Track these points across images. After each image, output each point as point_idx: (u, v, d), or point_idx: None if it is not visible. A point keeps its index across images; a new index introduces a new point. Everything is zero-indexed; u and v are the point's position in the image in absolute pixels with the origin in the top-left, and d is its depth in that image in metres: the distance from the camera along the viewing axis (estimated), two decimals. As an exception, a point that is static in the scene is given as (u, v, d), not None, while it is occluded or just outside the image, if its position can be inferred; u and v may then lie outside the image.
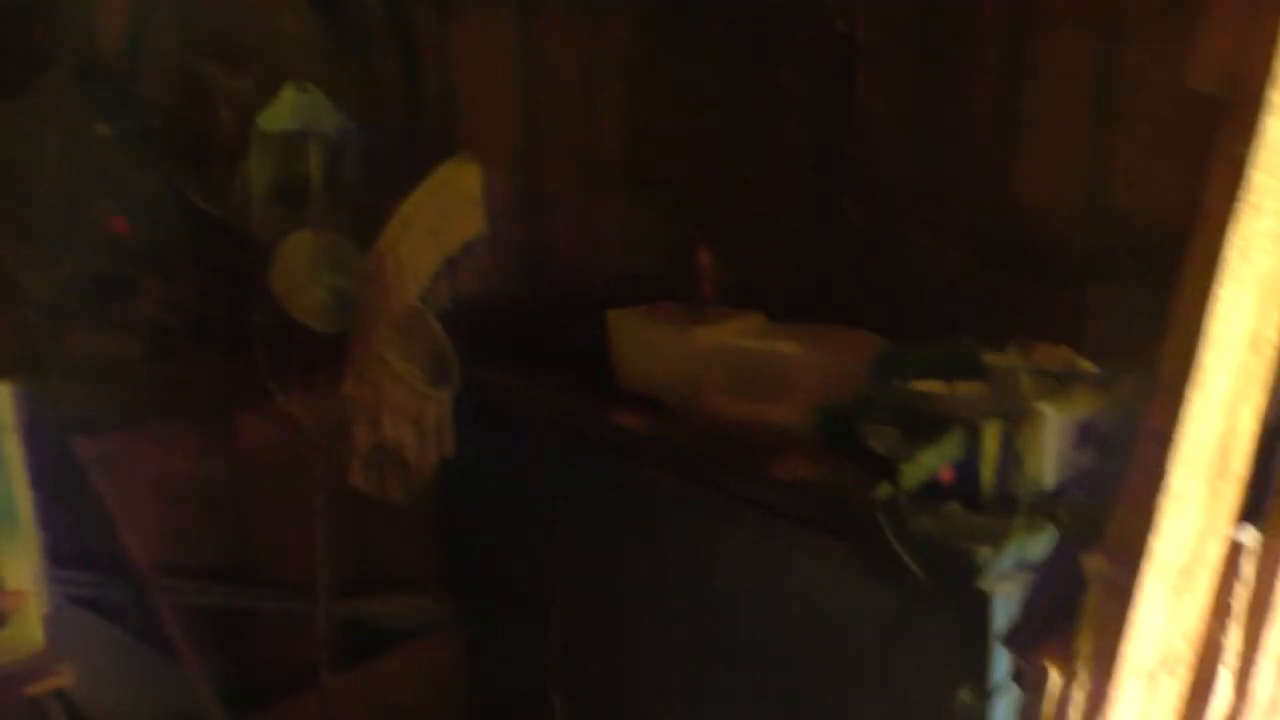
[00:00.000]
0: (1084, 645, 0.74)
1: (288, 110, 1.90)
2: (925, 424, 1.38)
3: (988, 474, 1.36)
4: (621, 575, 1.83)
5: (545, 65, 2.38)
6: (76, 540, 1.85)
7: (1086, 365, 1.50)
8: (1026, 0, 1.91)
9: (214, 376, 2.01)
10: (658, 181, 2.49)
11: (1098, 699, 0.75)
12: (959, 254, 1.95)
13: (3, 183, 1.85)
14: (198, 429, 2.05)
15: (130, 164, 1.89)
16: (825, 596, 1.46)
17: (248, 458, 2.10)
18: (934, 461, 1.31)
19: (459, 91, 2.21)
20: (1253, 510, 0.92)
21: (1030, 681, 0.75)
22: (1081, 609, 0.75)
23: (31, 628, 1.59)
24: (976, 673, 1.27)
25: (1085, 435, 1.42)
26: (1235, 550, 0.85)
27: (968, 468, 1.35)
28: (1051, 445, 1.38)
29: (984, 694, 1.26)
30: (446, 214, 1.77)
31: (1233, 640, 0.88)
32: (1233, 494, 0.79)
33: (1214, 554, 0.81)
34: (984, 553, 1.26)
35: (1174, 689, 0.84)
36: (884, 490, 1.25)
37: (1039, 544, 1.27)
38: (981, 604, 1.25)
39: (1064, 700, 0.74)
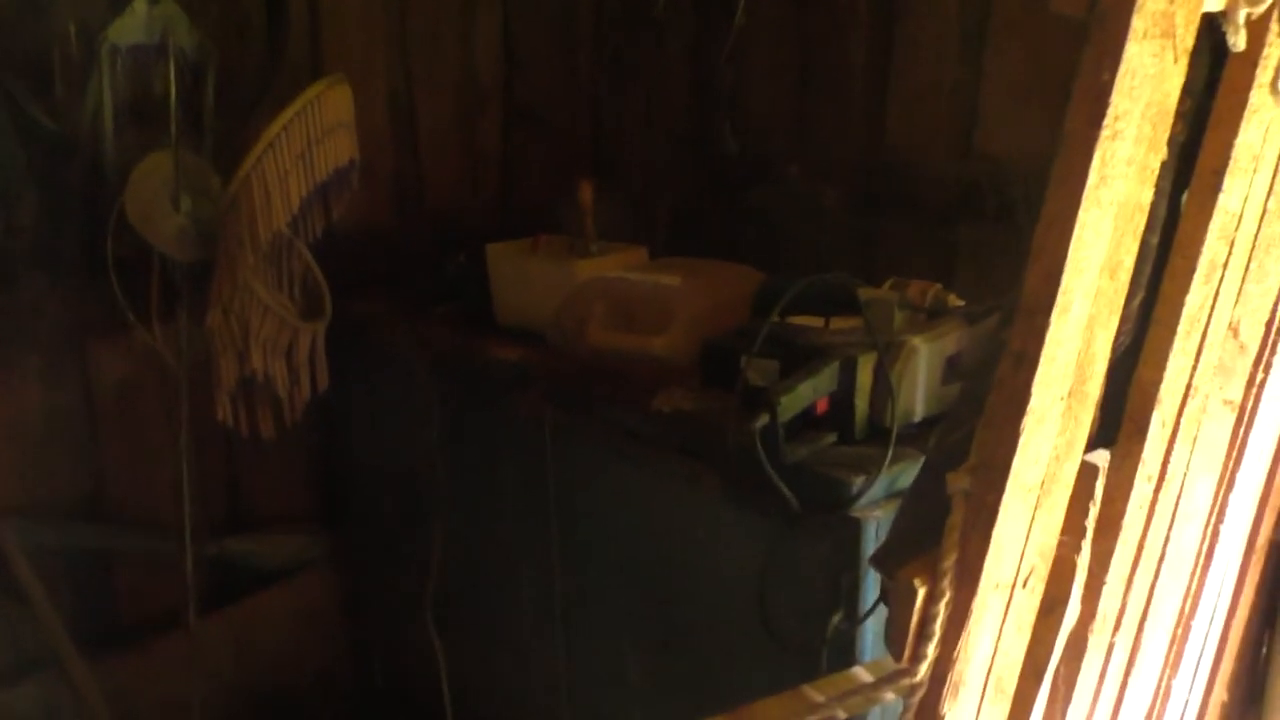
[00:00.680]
0: (947, 561, 0.76)
1: (140, 23, 1.78)
2: (802, 357, 1.40)
3: (861, 406, 1.39)
4: (500, 509, 1.82)
5: (421, -14, 2.28)
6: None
7: (956, 301, 1.54)
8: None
9: (64, 306, 1.89)
10: (537, 113, 2.44)
11: (960, 612, 0.77)
12: (834, 191, 1.98)
13: None
14: (48, 361, 1.93)
15: (-38, 76, 1.74)
16: (703, 527, 1.48)
17: (104, 392, 1.99)
18: (809, 393, 1.33)
19: (327, 8, 2.10)
20: (1105, 434, 0.97)
21: (896, 597, 0.78)
22: (946, 527, 0.77)
23: None
24: (848, 598, 1.30)
25: (954, 368, 1.47)
26: (1088, 471, 0.88)
27: (842, 399, 1.38)
28: (922, 378, 1.42)
29: (855, 618, 1.30)
30: (316, 137, 1.69)
31: (1084, 557, 0.92)
32: (1088, 416, 0.82)
33: (1069, 474, 0.85)
34: (856, 481, 1.29)
35: (1029, 603, 0.88)
36: (760, 421, 1.26)
37: (909, 472, 1.31)
38: (853, 531, 1.28)
39: (927, 614, 0.77)
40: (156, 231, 1.77)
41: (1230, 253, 0.93)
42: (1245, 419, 1.14)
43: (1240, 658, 1.51)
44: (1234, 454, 1.15)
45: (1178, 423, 0.99)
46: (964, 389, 1.04)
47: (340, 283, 2.11)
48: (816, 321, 1.56)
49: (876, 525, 1.29)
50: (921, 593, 0.77)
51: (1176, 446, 1.00)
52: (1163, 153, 0.77)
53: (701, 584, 1.50)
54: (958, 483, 0.76)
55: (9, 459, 1.91)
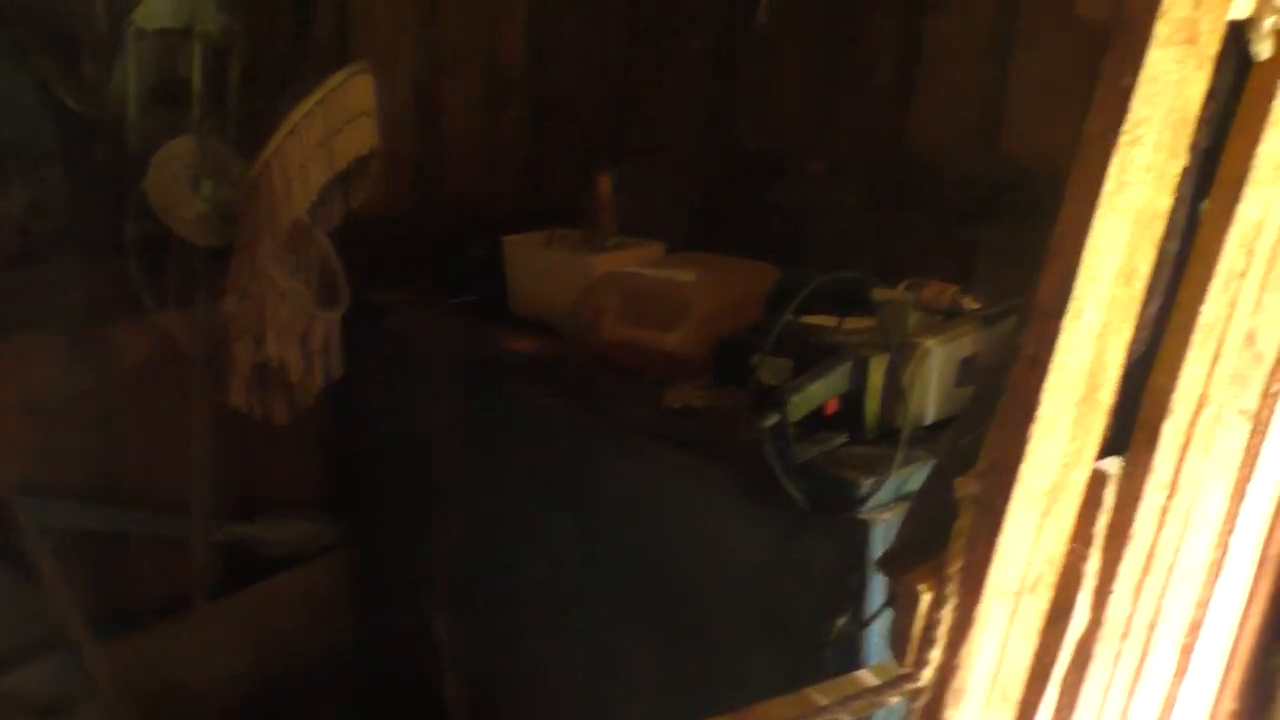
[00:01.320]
0: (953, 566, 0.76)
1: (167, 6, 1.79)
2: (814, 356, 1.40)
3: (872, 407, 1.38)
4: (509, 499, 1.82)
5: (448, -25, 2.29)
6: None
7: (972, 303, 1.54)
8: (931, -61, 1.91)
9: (85, 287, 1.91)
10: (560, 104, 2.44)
11: (964, 618, 0.77)
12: (855, 189, 1.97)
13: None
14: (67, 342, 1.94)
15: (-8, 56, 1.75)
16: (711, 523, 1.48)
17: (122, 374, 2.01)
18: (820, 393, 1.32)
19: (354, -3, 2.11)
20: (1117, 441, 0.96)
21: (901, 601, 0.77)
22: (953, 532, 0.77)
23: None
24: (854, 600, 1.30)
25: (968, 371, 1.46)
26: (1098, 478, 0.88)
27: (853, 400, 1.37)
28: (934, 380, 1.41)
29: (860, 621, 1.30)
30: (336, 125, 1.70)
31: (1092, 565, 0.91)
32: (1099, 423, 0.82)
33: (1079, 481, 0.84)
34: (865, 483, 1.29)
35: (1036, 609, 0.87)
36: (770, 419, 1.26)
37: (919, 475, 1.30)
38: (861, 533, 1.28)
39: (932, 619, 0.76)
40: (177, 215, 1.78)
41: (1249, 262, 0.92)
42: (1260, 429, 1.12)
43: (1249, 668, 1.50)
44: (1248, 464, 1.14)
45: (1191, 432, 0.98)
46: (976, 392, 1.04)
47: (359, 269, 2.11)
48: (831, 321, 1.56)
49: (885, 527, 1.28)
50: (926, 598, 0.77)
51: (1189, 456, 0.99)
52: (1183, 159, 0.76)
53: (709, 581, 1.50)
54: (966, 488, 0.75)
55: (28, 438, 1.93)
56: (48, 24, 1.81)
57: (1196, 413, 0.98)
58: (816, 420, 1.38)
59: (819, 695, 1.08)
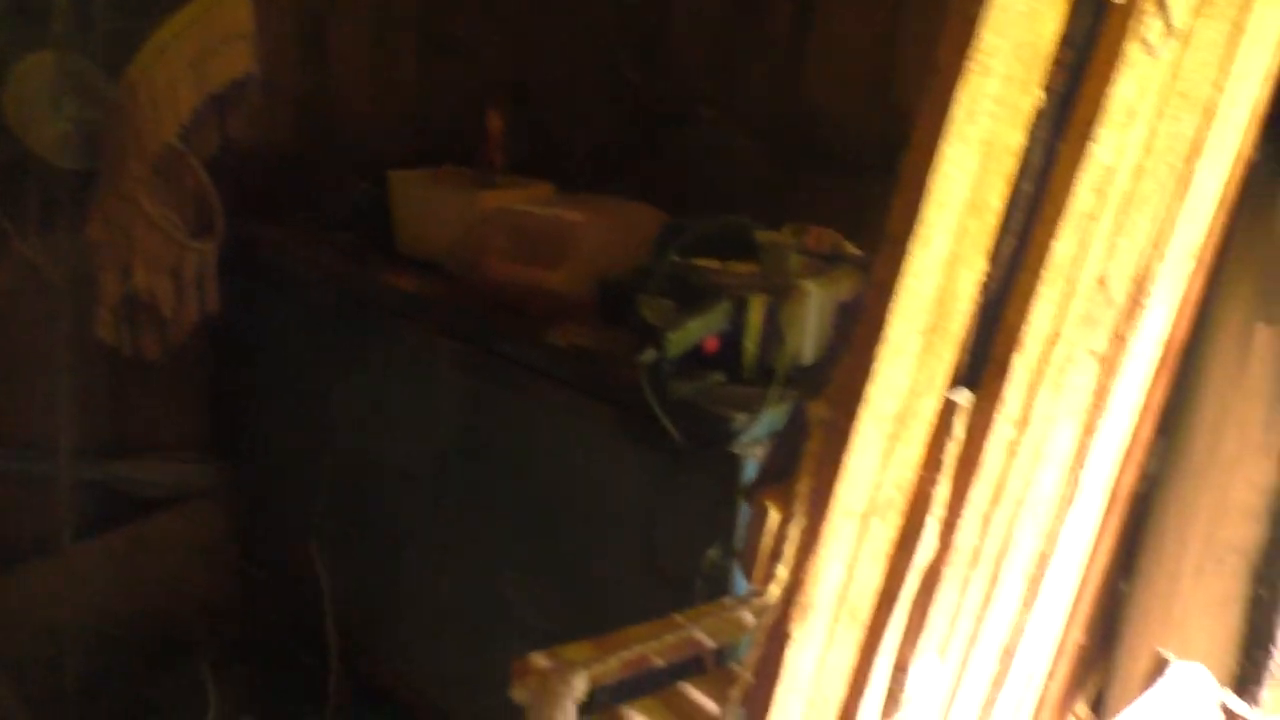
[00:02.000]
0: (802, 486, 0.78)
1: (26, -90, 1.68)
2: (696, 296, 1.41)
3: (750, 346, 1.40)
4: (392, 439, 1.80)
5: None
6: None
7: (853, 249, 1.56)
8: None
9: (-64, 211, 1.80)
10: (452, 41, 2.39)
11: (811, 536, 0.79)
12: (748, 137, 1.98)
13: None
14: (-83, 269, 1.84)
15: None
16: (594, 461, 1.49)
17: (-21, 304, 1.91)
18: (699, 332, 1.34)
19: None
20: (972, 375, 1.00)
21: (752, 520, 0.79)
22: (803, 454, 0.79)
23: None
24: (725, 532, 1.33)
25: (845, 315, 1.49)
26: (949, 408, 0.91)
27: (732, 339, 1.39)
28: (812, 321, 1.44)
29: (730, 551, 1.33)
30: (210, 46, 1.63)
31: (941, 493, 0.95)
32: (949, 353, 0.84)
33: (929, 409, 0.87)
34: (739, 419, 1.31)
35: (884, 534, 0.90)
36: (648, 356, 1.27)
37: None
38: (733, 467, 1.30)
39: (780, 536, 0.78)
40: (36, 136, 1.69)
41: (1102, 205, 0.96)
42: (1110, 370, 1.18)
43: (1097, 602, 1.58)
44: (1097, 404, 1.20)
45: (1041, 369, 1.02)
46: (838, 328, 1.06)
47: (242, 205, 2.04)
48: (715, 264, 1.57)
49: (757, 462, 1.30)
50: (775, 516, 0.78)
51: (1039, 392, 1.04)
52: (1035, 96, 0.78)
53: (591, 517, 1.51)
54: (816, 410, 0.77)
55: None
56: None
57: (1047, 350, 1.02)
58: (697, 359, 1.39)
59: (681, 620, 1.10)
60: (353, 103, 2.32)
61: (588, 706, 0.99)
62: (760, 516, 0.78)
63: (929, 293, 0.74)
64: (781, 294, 1.41)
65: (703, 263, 1.57)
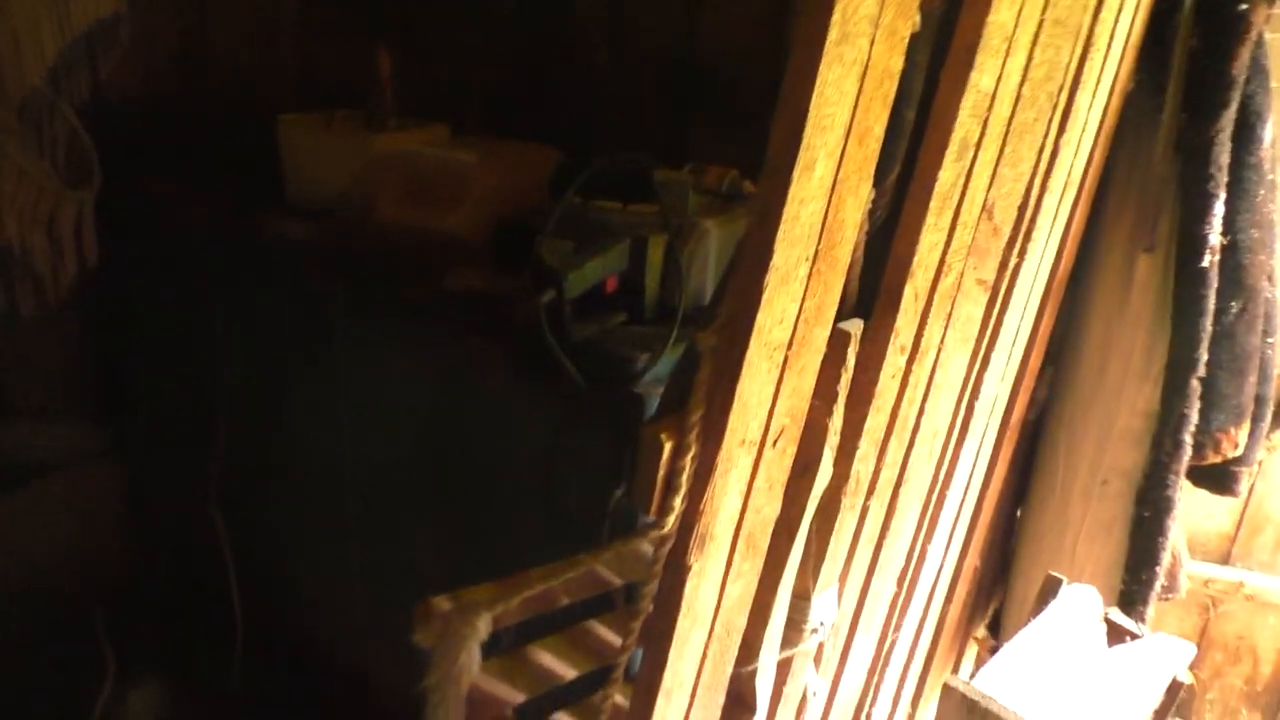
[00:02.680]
0: (694, 416, 0.78)
1: None
2: (596, 237, 1.39)
3: (651, 286, 1.40)
4: (288, 391, 1.75)
5: None
6: None
7: (752, 188, 1.56)
8: None
9: None
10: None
11: (705, 466, 0.79)
12: (643, 81, 1.95)
13: None
14: None
15: None
16: (493, 405, 1.47)
17: None
18: (598, 271, 1.32)
19: None
20: (865, 305, 1.01)
21: (645, 451, 0.79)
22: (693, 384, 0.78)
23: None
24: (630, 472, 1.32)
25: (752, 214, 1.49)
26: (840, 337, 0.91)
27: (632, 279, 1.38)
28: (712, 260, 1.44)
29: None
30: (74, -18, 1.53)
31: (835, 422, 0.96)
32: (838, 281, 0.85)
33: (820, 339, 0.87)
34: (640, 359, 1.30)
35: (780, 463, 0.91)
36: (547, 296, 1.25)
37: (692, 351, 1.33)
38: (635, 407, 1.29)
39: (674, 467, 0.78)
40: (-113, 79, 1.57)
41: (983, 133, 0.97)
42: (998, 300, 1.20)
43: (993, 528, 1.64)
44: (986, 333, 1.22)
45: (930, 297, 1.04)
46: (733, 261, 1.06)
47: (119, 155, 1.94)
48: (615, 205, 1.55)
49: (660, 402, 1.30)
50: (668, 446, 0.78)
51: (930, 321, 1.05)
52: (913, 20, 0.78)
53: (494, 463, 1.50)
54: (706, 340, 0.77)
55: None
56: None
57: (935, 280, 1.04)
58: (597, 300, 1.38)
59: (584, 557, 1.10)
60: (233, 46, 2.22)
61: (492, 648, 0.98)
62: (653, 447, 0.78)
63: (814, 219, 0.74)
64: (681, 233, 1.40)
65: (602, 203, 1.56)
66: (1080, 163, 1.29)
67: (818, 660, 1.20)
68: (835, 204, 0.77)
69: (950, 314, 1.10)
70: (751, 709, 1.08)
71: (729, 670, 1.04)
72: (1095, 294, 1.51)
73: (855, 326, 0.94)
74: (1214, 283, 1.37)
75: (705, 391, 0.77)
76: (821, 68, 0.66)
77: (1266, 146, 1.36)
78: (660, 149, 2.04)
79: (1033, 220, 1.19)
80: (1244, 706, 2.07)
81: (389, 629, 1.73)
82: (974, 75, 0.89)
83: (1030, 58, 0.99)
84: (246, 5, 2.20)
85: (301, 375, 1.72)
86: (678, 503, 0.79)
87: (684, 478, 0.78)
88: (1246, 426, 1.45)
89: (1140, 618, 1.54)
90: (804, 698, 1.21)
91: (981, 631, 1.83)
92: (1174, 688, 1.27)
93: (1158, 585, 1.52)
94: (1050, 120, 1.11)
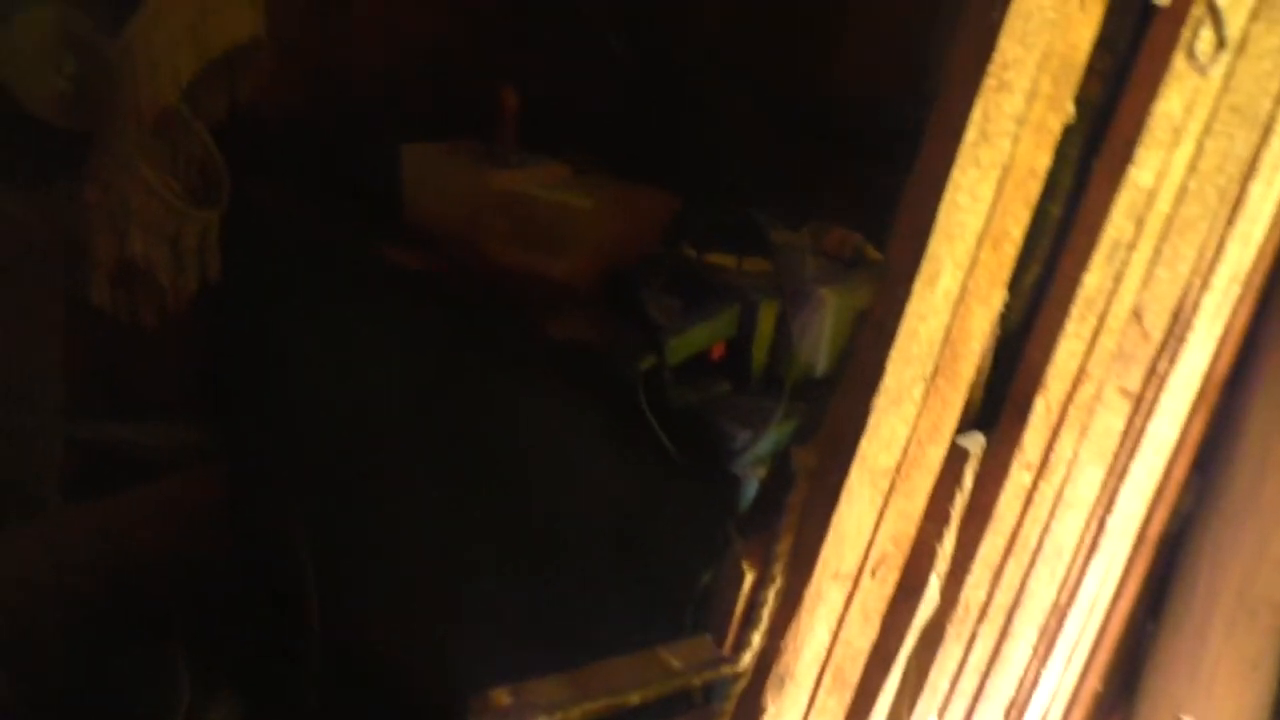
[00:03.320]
0: (782, 544, 0.69)
1: None
2: (706, 296, 1.32)
3: (759, 355, 1.31)
4: (385, 414, 1.73)
5: None
6: None
7: (876, 254, 1.46)
8: None
9: (-66, 165, 1.75)
10: (477, 5, 2.29)
11: (792, 600, 0.70)
12: (772, 120, 1.87)
13: None
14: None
15: None
16: (584, 460, 1.41)
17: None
18: (703, 337, 1.24)
19: None
20: (986, 416, 0.90)
21: (724, 578, 0.71)
22: (784, 507, 0.70)
23: None
24: (719, 557, 1.24)
25: (864, 324, 1.39)
26: (957, 455, 0.81)
27: (740, 346, 1.30)
28: (827, 331, 1.34)
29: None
30: (210, 7, 1.55)
31: (946, 546, 0.86)
32: (958, 397, 0.75)
33: (934, 458, 0.78)
34: (741, 436, 1.22)
35: (878, 591, 0.82)
36: (647, 362, 1.18)
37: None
38: (732, 488, 1.21)
39: (754, 600, 0.70)
40: (32, 92, 1.62)
41: (1139, 232, 0.86)
42: (1144, 410, 1.07)
43: (1119, 648, 1.48)
44: (1128, 445, 1.09)
45: (1065, 409, 0.92)
46: (845, 350, 0.97)
47: (249, 169, 1.98)
48: (730, 260, 1.48)
49: (758, 484, 1.22)
50: (750, 577, 0.70)
51: (1062, 434, 0.94)
52: (1067, 114, 0.68)
53: (576, 517, 1.43)
54: (803, 460, 0.68)
55: None
56: None
57: (1073, 390, 0.92)
58: (702, 364, 1.30)
59: (669, 655, 1.02)
60: (371, 69, 2.24)
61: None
62: (734, 576, 0.70)
63: (934, 335, 0.65)
64: (796, 300, 1.31)
65: (716, 258, 1.48)
66: (1249, 256, 1.15)
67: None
68: (961, 315, 0.68)
69: (1086, 426, 0.98)
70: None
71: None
72: (1255, 398, 1.35)
73: (975, 442, 0.84)
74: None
75: (798, 517, 0.69)
76: (955, 172, 0.57)
77: None
78: (786, 199, 1.96)
79: (1189, 323, 1.05)
80: None
81: (464, 661, 1.70)
82: (1132, 171, 0.78)
83: (1199, 149, 0.87)
84: (384, 33, 2.22)
85: (399, 400, 1.70)
86: (756, 639, 0.70)
87: (765, 611, 0.70)
88: None
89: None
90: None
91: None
92: None
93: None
94: (1217, 214, 0.99)
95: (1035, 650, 1.16)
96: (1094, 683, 1.42)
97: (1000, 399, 0.88)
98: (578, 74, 2.21)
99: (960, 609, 0.93)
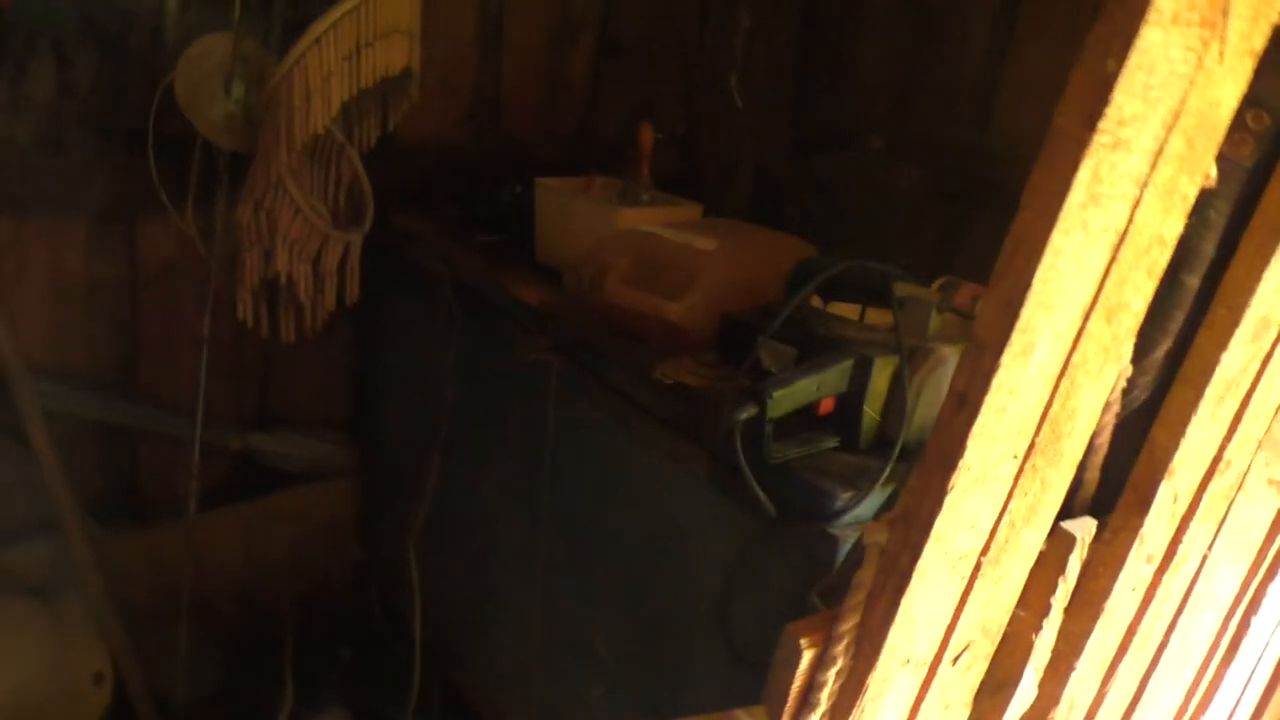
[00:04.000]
0: (845, 624, 0.64)
1: (217, -103, 1.72)
2: (820, 348, 1.27)
3: (871, 413, 1.25)
4: (500, 450, 1.75)
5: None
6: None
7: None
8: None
9: (112, 179, 1.88)
10: (628, 50, 2.32)
11: (854, 685, 0.65)
12: (917, 172, 1.81)
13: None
14: (94, 231, 1.93)
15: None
16: (685, 511, 1.38)
17: (147, 271, 1.99)
18: (809, 391, 1.19)
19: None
20: (1102, 498, 0.82)
21: (781, 653, 0.66)
22: (852, 584, 0.65)
23: None
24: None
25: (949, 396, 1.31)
26: (1063, 541, 0.74)
27: (851, 402, 1.24)
28: (945, 390, 1.27)
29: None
30: (366, 40, 1.62)
31: (1045, 639, 0.78)
32: (1061, 479, 0.68)
33: (1031, 542, 0.71)
34: (842, 495, 1.16)
35: (963, 682, 0.75)
36: (746, 412, 1.14)
37: (906, 494, 1.17)
38: (830, 548, 1.15)
39: (812, 681, 0.65)
40: (202, 115, 1.73)
41: (1294, 310, 0.77)
42: (1297, 505, 0.96)
43: (1264, 763, 1.33)
44: (1277, 540, 0.98)
45: (1197, 499, 0.83)
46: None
47: (400, 196, 2.05)
48: (853, 312, 1.42)
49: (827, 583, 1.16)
50: (808, 656, 0.65)
51: (1193, 525, 0.85)
52: (1207, 177, 0.61)
53: (671, 567, 1.40)
54: (874, 535, 0.63)
55: (48, 322, 1.93)
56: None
57: (1207, 478, 0.83)
58: (810, 419, 1.25)
59: (743, 716, 0.98)
60: (524, 104, 2.30)
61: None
62: (790, 653, 0.65)
63: (1029, 411, 0.59)
64: (914, 357, 1.25)
65: (839, 309, 1.43)
66: None
67: None
68: (1064, 391, 0.62)
69: (1224, 518, 0.89)
70: None
71: None
72: None
73: (1085, 529, 0.76)
74: None
75: (864, 596, 0.64)
76: (1055, 235, 0.52)
77: None
78: (930, 253, 1.88)
79: (1359, 411, 0.94)
80: None
81: (557, 700, 1.68)
82: (1287, 243, 0.70)
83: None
84: (537, 69, 2.27)
85: (513, 435, 1.71)
86: (813, 720, 0.66)
87: (824, 694, 0.65)
88: None
89: None
90: None
91: None
92: None
93: None
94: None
95: (1157, 760, 1.05)
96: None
97: (1120, 481, 0.80)
98: (723, 112, 2.20)
99: (1063, 707, 0.85)
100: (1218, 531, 0.89)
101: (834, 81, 2.08)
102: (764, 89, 2.19)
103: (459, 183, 2.21)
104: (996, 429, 0.58)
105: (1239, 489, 0.88)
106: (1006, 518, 0.65)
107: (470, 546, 1.86)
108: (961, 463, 0.57)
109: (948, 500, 0.59)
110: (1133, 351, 0.70)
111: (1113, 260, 0.57)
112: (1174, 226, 0.61)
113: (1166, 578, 0.87)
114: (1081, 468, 0.74)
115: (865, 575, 0.63)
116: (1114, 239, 0.56)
